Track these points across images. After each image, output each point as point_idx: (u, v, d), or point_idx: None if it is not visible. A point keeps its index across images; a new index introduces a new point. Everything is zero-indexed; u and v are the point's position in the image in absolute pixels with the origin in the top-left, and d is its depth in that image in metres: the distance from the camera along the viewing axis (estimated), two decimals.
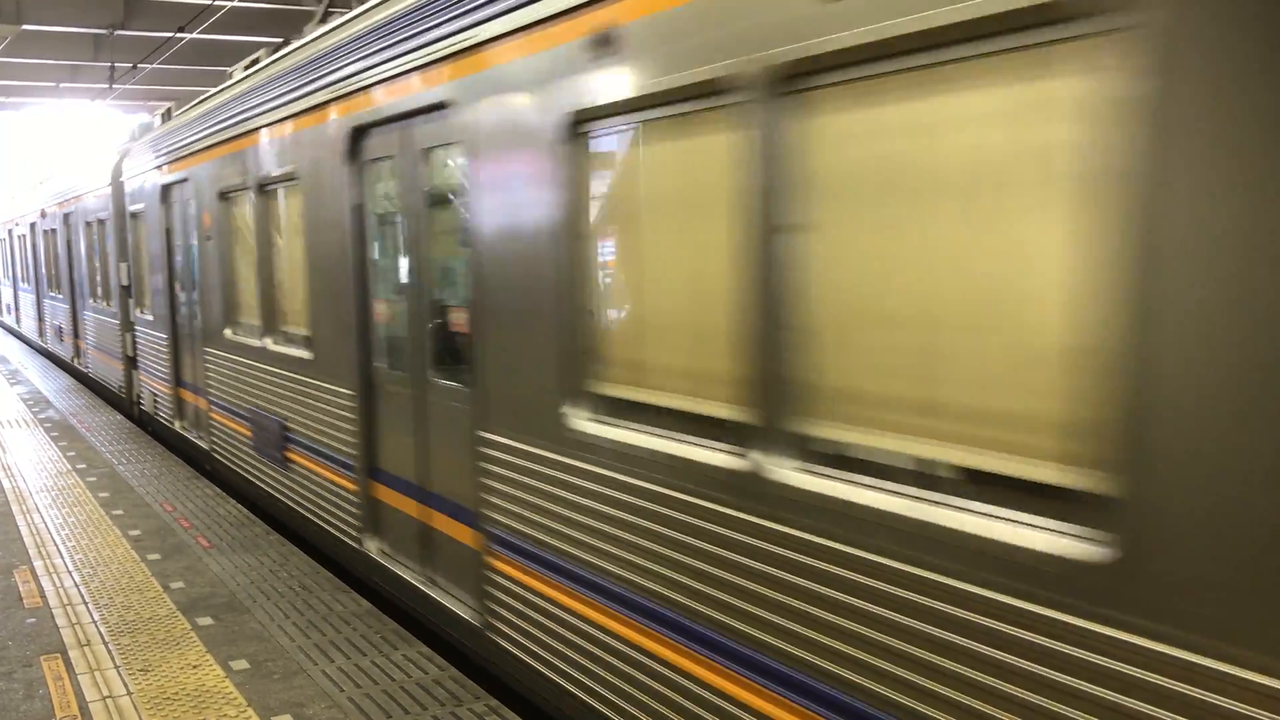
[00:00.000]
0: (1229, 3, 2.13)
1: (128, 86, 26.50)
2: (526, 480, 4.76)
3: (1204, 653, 2.19)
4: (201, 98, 10.40)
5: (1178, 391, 2.24)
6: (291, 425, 7.85)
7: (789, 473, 3.30)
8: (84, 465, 10.81)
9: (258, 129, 8.01)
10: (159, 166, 11.15)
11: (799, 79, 3.20)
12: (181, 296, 10.89)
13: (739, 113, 3.39)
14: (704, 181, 3.66)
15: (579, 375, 4.38)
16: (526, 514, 4.78)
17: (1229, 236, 2.14)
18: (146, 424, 13.23)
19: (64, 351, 19.28)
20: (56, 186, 18.49)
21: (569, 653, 4.52)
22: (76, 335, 17.76)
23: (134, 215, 12.67)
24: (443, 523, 5.80)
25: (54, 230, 18.75)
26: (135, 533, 8.17)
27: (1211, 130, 2.16)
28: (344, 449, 6.90)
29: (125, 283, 13.39)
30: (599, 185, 4.30)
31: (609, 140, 4.22)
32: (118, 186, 13.31)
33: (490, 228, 4.92)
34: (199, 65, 24.18)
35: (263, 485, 8.65)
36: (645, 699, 4.04)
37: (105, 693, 5.21)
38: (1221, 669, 2.17)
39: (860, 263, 3.11)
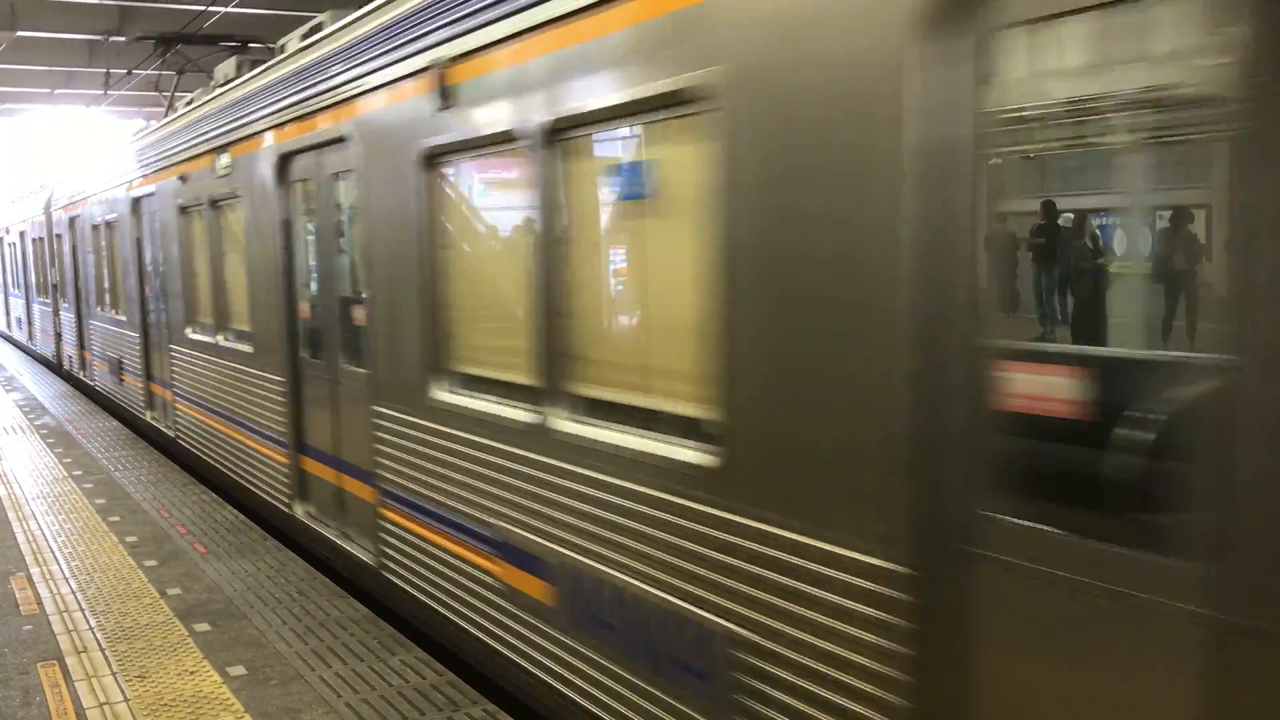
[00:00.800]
0: None
1: (123, 93, 26.49)
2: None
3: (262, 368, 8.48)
4: (95, 159, 15.52)
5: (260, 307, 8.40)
6: (123, 361, 13.89)
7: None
8: (80, 472, 10.80)
9: (108, 188, 13.93)
10: (65, 205, 17.37)
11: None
12: (83, 290, 16.60)
13: (207, 211, 9.69)
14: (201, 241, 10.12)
15: (187, 317, 10.56)
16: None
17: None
18: (70, 379, 18.59)
19: (21, 335, 25.98)
20: (15, 212, 25.14)
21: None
22: (29, 323, 24.37)
23: (58, 236, 18.59)
24: (158, 389, 12.28)
25: (15, 244, 25.56)
26: (132, 539, 8.17)
27: None
28: (138, 366, 12.99)
29: (55, 282, 19.49)
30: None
31: (193, 215, 10.16)
32: (48, 215, 19.39)
33: (166, 257, 11.20)
34: (195, 70, 24.12)
35: (116, 399, 14.78)
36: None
37: (102, 699, 5.21)
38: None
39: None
